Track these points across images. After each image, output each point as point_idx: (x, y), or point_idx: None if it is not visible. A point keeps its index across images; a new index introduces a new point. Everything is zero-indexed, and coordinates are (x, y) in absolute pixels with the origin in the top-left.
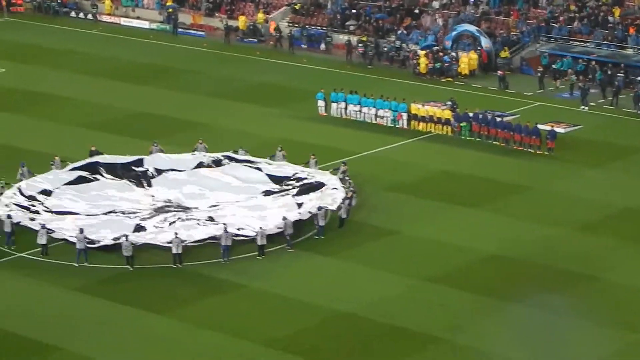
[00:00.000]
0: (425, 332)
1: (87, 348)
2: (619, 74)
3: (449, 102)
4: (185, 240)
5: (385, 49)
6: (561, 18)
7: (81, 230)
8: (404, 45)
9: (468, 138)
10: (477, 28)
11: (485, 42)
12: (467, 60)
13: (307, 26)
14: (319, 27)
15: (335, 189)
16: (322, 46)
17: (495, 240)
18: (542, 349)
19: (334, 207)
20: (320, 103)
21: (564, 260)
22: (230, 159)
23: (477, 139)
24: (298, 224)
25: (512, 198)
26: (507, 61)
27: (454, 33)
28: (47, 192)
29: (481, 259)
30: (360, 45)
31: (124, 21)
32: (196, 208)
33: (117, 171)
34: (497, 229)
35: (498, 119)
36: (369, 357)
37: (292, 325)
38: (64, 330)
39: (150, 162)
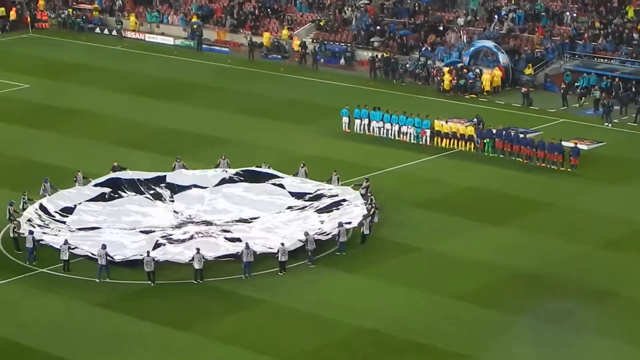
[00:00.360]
0: (448, 349)
1: None
2: None
3: (475, 119)
4: (207, 257)
5: (407, 65)
6: (586, 35)
7: (103, 247)
8: (429, 61)
9: (491, 155)
10: (494, 44)
11: (502, 58)
12: (490, 77)
13: (325, 42)
14: (341, 43)
15: (356, 205)
16: (342, 61)
17: (519, 257)
18: None
19: (354, 223)
20: (345, 119)
21: (588, 277)
22: (252, 172)
23: (501, 156)
24: (319, 240)
25: (535, 215)
26: (531, 78)
27: (472, 49)
28: (68, 209)
29: (505, 276)
30: (377, 59)
31: (148, 37)
32: (218, 224)
33: (139, 187)
34: (520, 245)
35: (521, 136)
36: None
37: (314, 341)
38: (86, 346)
39: (173, 178)
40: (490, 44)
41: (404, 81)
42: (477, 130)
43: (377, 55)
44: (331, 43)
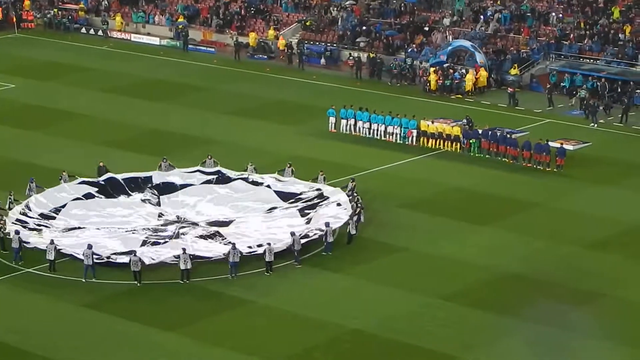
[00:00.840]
0: (435, 350)
1: None
2: (628, 92)
3: (465, 120)
4: (193, 257)
5: (391, 64)
6: (572, 35)
7: (89, 246)
8: (415, 62)
9: (477, 155)
10: (471, 43)
11: (479, 58)
12: (473, 77)
13: (305, 41)
14: (327, 44)
15: (342, 205)
16: (322, 61)
17: (506, 258)
18: None
19: (340, 223)
20: (331, 119)
21: (575, 278)
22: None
23: (487, 156)
24: (306, 241)
25: (521, 215)
26: (517, 78)
27: (450, 48)
28: (54, 210)
29: (492, 276)
30: (349, 59)
31: (134, 37)
32: (203, 224)
33: (125, 188)
34: (507, 246)
35: (507, 136)
36: None
37: (301, 342)
38: (72, 347)
39: (159, 178)
40: (467, 43)
41: (399, 82)
42: (463, 131)
43: (350, 55)
44: (315, 43)
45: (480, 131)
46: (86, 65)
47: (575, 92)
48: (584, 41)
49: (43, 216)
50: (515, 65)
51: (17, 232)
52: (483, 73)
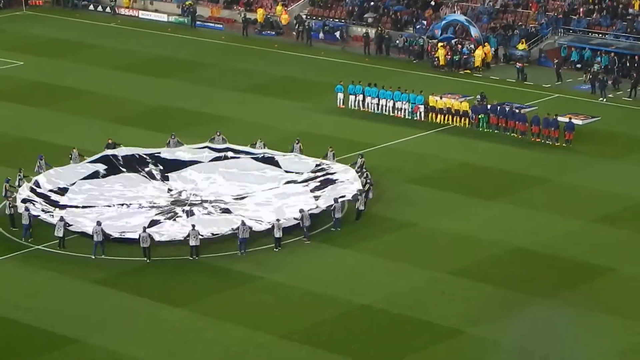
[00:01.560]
0: (443, 324)
1: (106, 340)
2: (637, 66)
3: (479, 96)
4: (202, 233)
5: (397, 42)
6: (580, 10)
7: (98, 223)
8: (424, 37)
9: (486, 130)
10: (465, 17)
11: (474, 32)
12: (481, 52)
13: (307, 16)
14: (335, 19)
15: (351, 181)
16: (321, 35)
17: (515, 233)
18: (561, 341)
19: (348, 196)
20: (340, 95)
21: (583, 252)
22: (247, 153)
23: (495, 131)
24: (315, 216)
25: (530, 190)
26: (525, 53)
27: (443, 22)
28: (63, 189)
29: (500, 251)
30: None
31: (142, 14)
32: (212, 201)
33: (134, 164)
34: (516, 221)
35: (516, 111)
36: (387, 349)
37: (310, 318)
38: (81, 323)
39: (168, 155)
40: (461, 17)
41: (412, 58)
42: (472, 106)
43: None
44: (323, 19)
45: (488, 106)
46: (94, 43)
47: (589, 68)
48: (592, 15)
49: (52, 192)
50: (523, 40)
51: (27, 209)
52: (488, 48)
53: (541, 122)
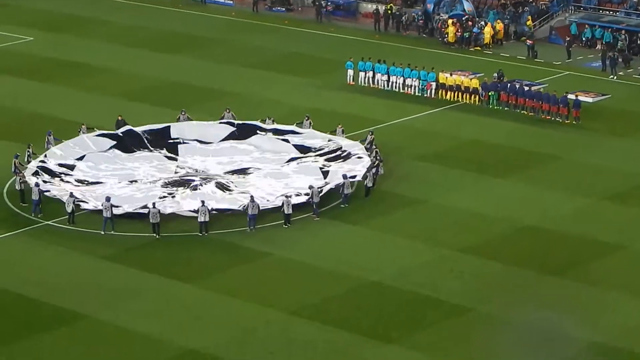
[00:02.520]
0: (452, 302)
1: (115, 316)
2: None
3: (496, 74)
4: (211, 209)
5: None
6: None
7: (107, 199)
8: (433, 14)
9: (496, 107)
10: None
11: (467, 6)
12: (490, 29)
13: None
14: None
15: (361, 157)
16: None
17: (524, 210)
18: (571, 319)
19: (359, 175)
20: (350, 72)
21: (593, 230)
22: (257, 128)
23: (505, 109)
24: (324, 193)
25: (540, 168)
26: (527, 30)
27: None
28: (72, 163)
29: (510, 229)
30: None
31: None
32: (222, 176)
33: (144, 140)
34: (525, 198)
35: (526, 88)
36: (396, 325)
37: (319, 294)
38: (90, 298)
39: (178, 131)
40: None
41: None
42: (483, 83)
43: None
44: None
45: (499, 84)
46: (104, 18)
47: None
48: None
49: (62, 166)
50: (529, 17)
51: (36, 185)
52: (499, 25)
53: (551, 99)
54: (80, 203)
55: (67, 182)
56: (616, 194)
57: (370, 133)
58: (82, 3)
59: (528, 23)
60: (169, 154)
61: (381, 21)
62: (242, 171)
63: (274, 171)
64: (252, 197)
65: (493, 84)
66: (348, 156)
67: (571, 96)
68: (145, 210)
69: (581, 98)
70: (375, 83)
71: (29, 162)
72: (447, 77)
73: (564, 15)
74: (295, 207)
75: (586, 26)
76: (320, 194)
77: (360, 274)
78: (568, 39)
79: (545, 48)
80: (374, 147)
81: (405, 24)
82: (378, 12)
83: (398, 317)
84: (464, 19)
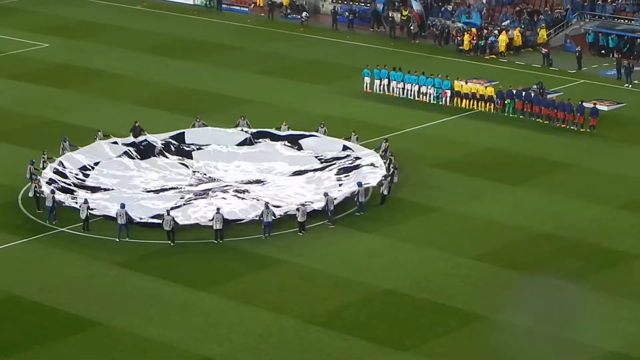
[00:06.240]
0: (467, 310)
1: (129, 323)
2: None
3: (535, 86)
4: (226, 217)
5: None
6: None
7: (122, 206)
8: (448, 22)
9: (511, 115)
10: None
11: (416, 6)
12: (504, 37)
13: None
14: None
15: (376, 165)
16: (305, 14)
17: (540, 218)
18: (587, 327)
19: (374, 183)
20: (367, 79)
21: (609, 238)
22: (272, 135)
23: (521, 117)
24: (339, 201)
25: (555, 176)
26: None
27: None
28: (87, 168)
29: (525, 236)
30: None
31: None
32: (237, 184)
33: (159, 147)
34: (541, 206)
35: (542, 97)
36: (410, 333)
37: (334, 301)
38: (105, 305)
39: (192, 137)
40: None
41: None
42: (498, 91)
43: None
44: (349, 3)
45: (514, 92)
46: (120, 25)
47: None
48: (618, 1)
49: (77, 173)
50: (543, 25)
51: (52, 192)
52: (517, 33)
53: (566, 107)
54: (94, 211)
55: (82, 187)
56: (632, 201)
57: (385, 140)
58: (97, 10)
59: (540, 32)
60: (184, 161)
61: (396, 29)
62: (258, 180)
63: (289, 179)
64: (266, 204)
65: (509, 91)
66: (362, 164)
67: (588, 104)
68: (160, 219)
69: (598, 106)
70: (391, 91)
71: (44, 168)
72: (462, 85)
73: (579, 24)
74: (311, 214)
75: (600, 34)
76: (335, 202)
77: (375, 281)
78: (579, 49)
79: (560, 56)
80: (389, 154)
81: (415, 32)
82: (393, 20)
83: (413, 325)
84: (479, 27)
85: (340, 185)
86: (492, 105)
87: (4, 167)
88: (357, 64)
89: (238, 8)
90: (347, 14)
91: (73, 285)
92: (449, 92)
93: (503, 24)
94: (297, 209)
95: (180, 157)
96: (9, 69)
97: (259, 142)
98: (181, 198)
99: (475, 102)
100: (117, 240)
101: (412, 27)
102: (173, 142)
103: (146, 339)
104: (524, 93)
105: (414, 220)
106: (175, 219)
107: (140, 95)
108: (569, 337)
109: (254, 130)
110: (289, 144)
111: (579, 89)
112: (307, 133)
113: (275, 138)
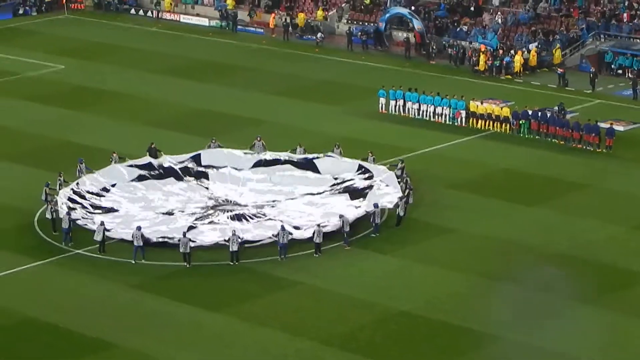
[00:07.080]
0: (482, 330)
1: (144, 344)
2: None
3: (557, 107)
4: (242, 239)
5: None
6: (622, 15)
7: (138, 228)
8: (464, 43)
9: (527, 136)
10: (409, 10)
11: (417, 24)
12: (520, 58)
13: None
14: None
15: (392, 186)
16: (320, 35)
17: (555, 238)
18: (605, 348)
19: (390, 205)
20: (382, 100)
21: (625, 259)
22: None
23: (536, 137)
24: (355, 222)
25: (571, 196)
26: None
27: (387, 15)
28: (104, 190)
29: (541, 256)
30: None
31: (183, 18)
32: (253, 206)
33: (175, 170)
34: (555, 226)
35: (557, 117)
36: (426, 355)
37: (349, 323)
38: (121, 327)
39: (208, 158)
40: (404, 10)
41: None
42: (514, 112)
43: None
44: (364, 23)
45: (529, 112)
46: (135, 46)
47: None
48: (634, 21)
49: (92, 195)
50: (559, 45)
51: (68, 214)
52: (533, 53)
53: (582, 128)
54: (110, 232)
55: (98, 208)
56: None
57: (400, 161)
58: (113, 31)
59: (556, 53)
60: (199, 183)
61: (412, 49)
62: (273, 202)
63: (304, 201)
64: (282, 226)
65: (524, 112)
66: (378, 185)
67: (604, 125)
68: (176, 240)
69: (614, 127)
70: (406, 111)
71: (60, 190)
72: (477, 106)
73: (594, 44)
74: (326, 236)
75: (617, 55)
76: (351, 222)
77: (391, 303)
78: (593, 70)
79: (575, 76)
80: (404, 175)
81: (432, 53)
82: (409, 41)
83: (428, 347)
84: (495, 48)
85: (356, 208)
86: (508, 125)
87: (19, 189)
88: (373, 84)
89: (253, 29)
90: (359, 34)
91: (88, 307)
92: (463, 113)
93: (530, 45)
94: (314, 232)
95: (198, 180)
96: (25, 91)
97: (274, 165)
98: (197, 219)
99: (490, 123)
100: (133, 262)
101: (423, 51)
102: (190, 165)
103: None
104: (539, 113)
105: (429, 242)
106: (192, 240)
107: (155, 117)
108: (584, 357)
109: (269, 155)
110: (304, 167)
111: (595, 109)
112: (319, 155)
113: (290, 163)
